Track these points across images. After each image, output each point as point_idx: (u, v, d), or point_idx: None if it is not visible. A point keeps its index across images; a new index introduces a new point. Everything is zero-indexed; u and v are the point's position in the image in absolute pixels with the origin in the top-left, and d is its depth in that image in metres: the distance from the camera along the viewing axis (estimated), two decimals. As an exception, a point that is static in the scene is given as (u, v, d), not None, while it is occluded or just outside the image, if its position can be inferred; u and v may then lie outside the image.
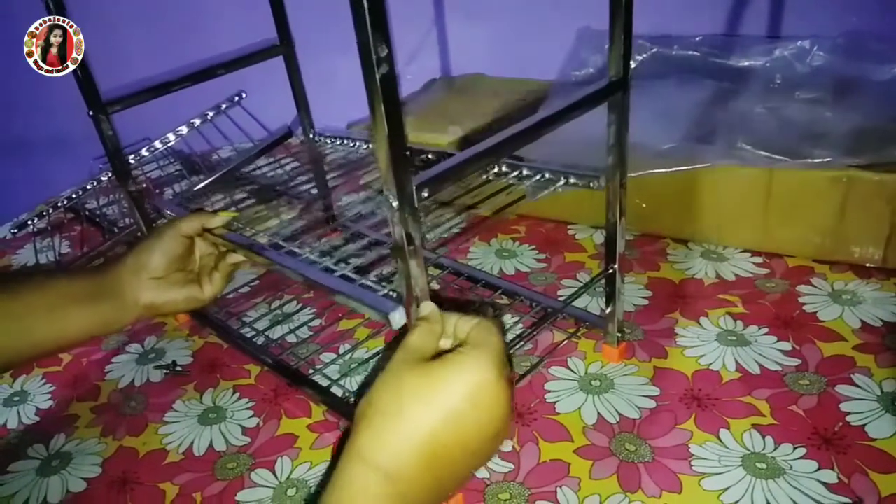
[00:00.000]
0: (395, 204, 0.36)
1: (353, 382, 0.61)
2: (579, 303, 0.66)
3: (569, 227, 0.80)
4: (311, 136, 0.83)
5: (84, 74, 0.61)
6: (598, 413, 0.54)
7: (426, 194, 0.37)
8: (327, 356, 0.65)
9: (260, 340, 0.66)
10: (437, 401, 0.34)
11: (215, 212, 0.58)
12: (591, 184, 0.52)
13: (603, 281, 0.56)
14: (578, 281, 0.70)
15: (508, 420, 0.36)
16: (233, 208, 0.71)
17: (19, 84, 1.31)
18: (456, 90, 1.04)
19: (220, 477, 0.54)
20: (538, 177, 0.57)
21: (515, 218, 0.84)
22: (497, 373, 0.35)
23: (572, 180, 0.54)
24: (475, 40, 1.10)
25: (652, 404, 0.54)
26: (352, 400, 0.57)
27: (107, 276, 0.54)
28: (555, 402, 0.56)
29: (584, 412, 0.54)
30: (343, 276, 0.48)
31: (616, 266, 0.54)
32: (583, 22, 0.94)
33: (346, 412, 0.56)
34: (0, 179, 1.38)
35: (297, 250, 0.54)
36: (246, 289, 0.77)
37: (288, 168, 1.06)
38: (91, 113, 0.63)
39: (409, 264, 0.38)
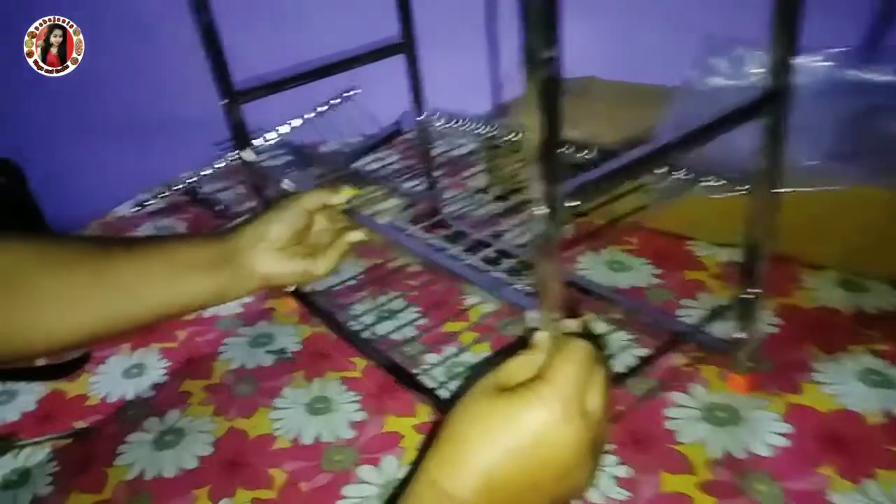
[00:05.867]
0: (541, 212, 0.34)
1: (459, 387, 0.59)
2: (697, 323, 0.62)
3: (687, 242, 0.76)
4: (423, 133, 0.83)
5: (220, 64, 0.63)
6: (725, 447, 0.50)
7: (574, 204, 0.35)
8: (433, 357, 0.64)
9: (366, 334, 0.67)
10: (502, 437, 0.34)
11: (337, 189, 0.58)
12: (737, 188, 0.48)
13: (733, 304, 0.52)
14: (698, 301, 0.66)
15: (582, 459, 0.35)
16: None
17: (146, 68, 1.39)
18: (567, 93, 1.01)
19: (326, 468, 0.54)
20: (676, 175, 0.54)
21: (627, 228, 0.80)
22: (563, 412, 0.34)
23: (715, 182, 0.50)
24: (587, 42, 1.07)
25: (785, 443, 0.50)
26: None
27: (226, 243, 0.53)
28: (675, 431, 0.52)
29: (709, 444, 0.51)
30: (469, 266, 0.46)
31: (757, 290, 0.50)
32: (700, 26, 0.89)
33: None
34: (123, 159, 1.47)
35: (420, 233, 0.52)
36: (352, 281, 0.77)
37: (395, 164, 1.07)
38: (224, 102, 0.64)
39: (546, 273, 0.36)
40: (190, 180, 1.07)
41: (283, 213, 0.55)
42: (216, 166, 1.06)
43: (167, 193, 1.07)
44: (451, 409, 0.37)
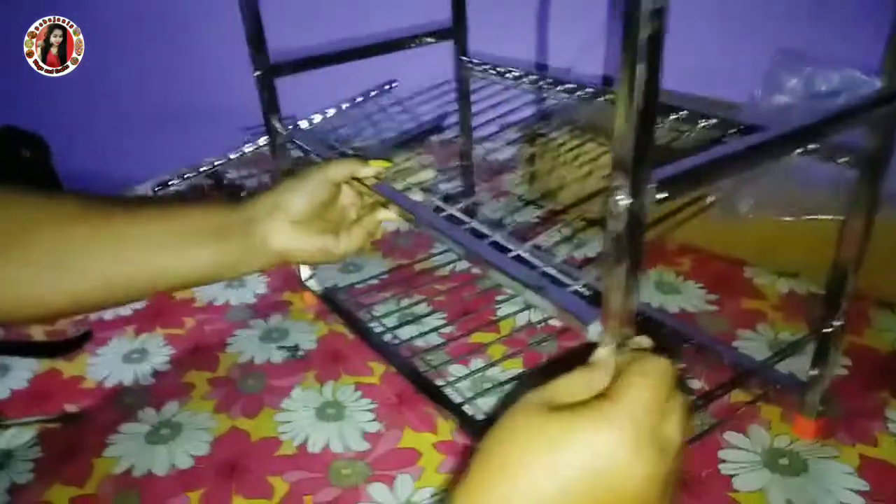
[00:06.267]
0: (623, 203, 0.28)
1: (487, 404, 0.54)
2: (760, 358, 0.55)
3: (744, 268, 0.69)
4: (466, 131, 0.78)
5: (257, 34, 0.58)
6: (789, 499, 0.44)
7: (663, 196, 0.29)
8: (458, 368, 0.58)
9: (387, 337, 0.61)
10: (551, 462, 0.28)
11: (367, 159, 0.51)
12: (838, 159, 0.40)
13: (810, 339, 0.46)
14: (758, 333, 0.60)
15: (652, 501, 0.28)
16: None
17: (178, 50, 1.36)
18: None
19: (333, 482, 0.48)
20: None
21: (677, 248, 0.74)
22: (634, 439, 0.27)
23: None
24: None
25: (860, 501, 0.44)
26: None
27: (238, 212, 0.47)
28: (732, 476, 0.46)
29: (771, 495, 0.44)
30: (518, 259, 0.39)
31: (839, 324, 0.44)
32: (766, 41, 0.84)
33: (477, 436, 0.49)
34: (149, 140, 1.44)
35: (459, 215, 0.45)
36: (375, 281, 0.72)
37: (430, 163, 1.02)
38: (257, 74, 0.60)
39: (619, 279, 0.30)
40: (216, 163, 1.03)
41: (304, 183, 0.48)
42: (244, 150, 1.02)
43: (191, 175, 1.03)
44: (489, 431, 0.31)
